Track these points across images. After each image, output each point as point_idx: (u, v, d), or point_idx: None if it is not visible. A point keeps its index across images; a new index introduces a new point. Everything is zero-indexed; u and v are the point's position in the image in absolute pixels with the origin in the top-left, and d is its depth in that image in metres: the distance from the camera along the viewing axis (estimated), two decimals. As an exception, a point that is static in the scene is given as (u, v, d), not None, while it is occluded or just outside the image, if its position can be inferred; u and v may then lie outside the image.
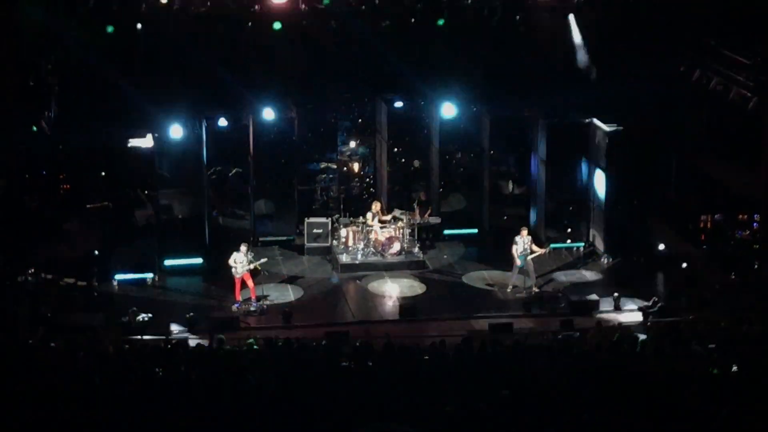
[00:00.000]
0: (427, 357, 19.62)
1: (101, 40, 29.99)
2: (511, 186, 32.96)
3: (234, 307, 27.26)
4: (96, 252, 28.96)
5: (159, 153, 29.72)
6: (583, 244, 31.64)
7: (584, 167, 31.80)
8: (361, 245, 30.03)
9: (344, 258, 29.94)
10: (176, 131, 29.58)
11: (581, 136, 31.56)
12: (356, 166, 33.94)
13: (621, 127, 30.39)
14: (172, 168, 30.13)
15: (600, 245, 31.16)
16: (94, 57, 29.71)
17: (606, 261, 30.60)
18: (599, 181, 31.11)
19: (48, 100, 29.12)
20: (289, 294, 28.45)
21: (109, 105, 29.84)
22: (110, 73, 29.68)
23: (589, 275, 29.93)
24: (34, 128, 29.33)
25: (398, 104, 32.17)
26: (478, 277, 29.69)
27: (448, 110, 31.54)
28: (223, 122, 30.79)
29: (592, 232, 31.68)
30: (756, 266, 28.36)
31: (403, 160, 33.26)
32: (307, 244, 30.94)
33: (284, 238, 31.69)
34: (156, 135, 29.52)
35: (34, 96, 29.29)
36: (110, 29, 30.19)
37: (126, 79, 29.84)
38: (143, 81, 30.14)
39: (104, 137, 29.61)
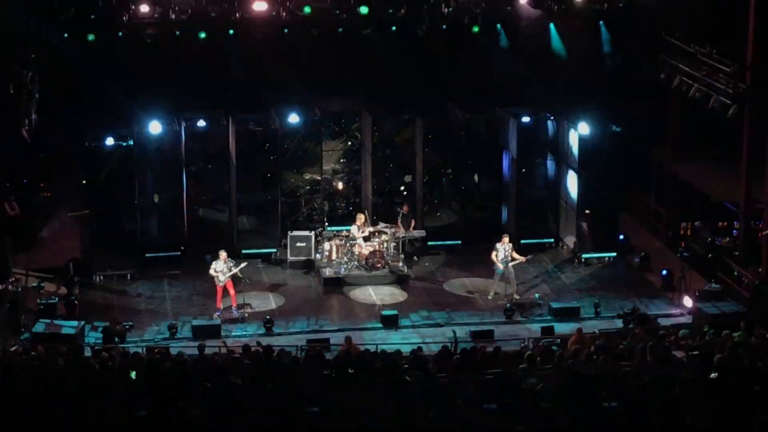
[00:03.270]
0: (407, 365, 19.62)
1: (82, 46, 30.03)
2: (477, 178, 33.03)
3: (215, 315, 27.22)
4: (77, 259, 28.92)
5: (138, 150, 30.04)
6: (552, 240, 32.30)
7: (553, 166, 32.34)
8: (345, 259, 29.87)
9: (328, 272, 29.69)
10: (155, 128, 29.86)
11: (553, 135, 32.14)
12: (340, 185, 33.74)
13: (594, 129, 30.67)
14: (151, 164, 30.51)
15: (571, 245, 31.53)
16: (75, 60, 29.77)
17: (580, 261, 30.87)
18: (572, 182, 31.44)
19: (29, 108, 29.05)
20: (270, 302, 28.44)
21: (89, 105, 29.86)
22: (90, 74, 29.71)
23: (569, 281, 30.01)
24: (15, 137, 29.25)
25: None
26: (459, 285, 29.72)
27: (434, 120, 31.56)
28: (201, 123, 30.98)
29: (566, 233, 31.96)
30: (736, 273, 28.46)
31: (388, 175, 33.28)
32: (290, 258, 30.64)
33: (267, 251, 31.57)
34: (135, 131, 29.92)
35: (14, 104, 29.19)
36: (91, 37, 30.15)
37: (106, 79, 29.86)
38: (123, 81, 30.21)
39: (84, 136, 29.70)
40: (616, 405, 16.27)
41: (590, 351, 20.51)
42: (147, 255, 30.40)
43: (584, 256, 30.99)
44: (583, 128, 30.55)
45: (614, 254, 31.08)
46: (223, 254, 27.51)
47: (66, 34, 29.99)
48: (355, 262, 29.75)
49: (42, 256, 29.52)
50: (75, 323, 25.37)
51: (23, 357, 20.82)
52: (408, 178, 33.13)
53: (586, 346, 21.50)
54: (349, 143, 33.63)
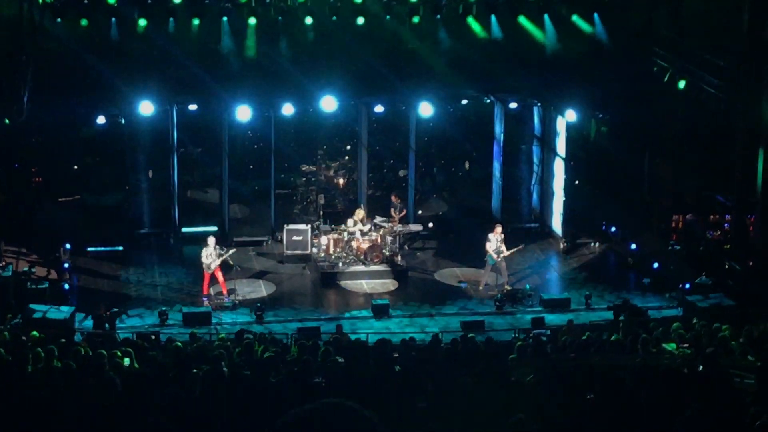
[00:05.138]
0: (396, 355, 19.63)
1: (75, 30, 30.06)
2: (467, 165, 33.22)
3: (205, 302, 27.15)
4: (67, 245, 28.89)
5: (130, 131, 30.57)
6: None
7: (540, 153, 32.89)
8: (343, 253, 29.49)
9: (325, 266, 29.33)
10: (146, 108, 29.90)
11: (540, 123, 32.68)
12: (341, 181, 33.56)
13: (581, 117, 30.96)
14: (142, 144, 31.06)
15: (558, 230, 31.91)
16: (68, 45, 29.77)
17: (566, 245, 31.18)
18: (558, 168, 31.88)
19: (22, 91, 29.02)
20: (261, 289, 28.40)
21: (82, 88, 29.88)
22: (84, 58, 29.70)
23: (559, 272, 30.07)
24: (6, 121, 29.20)
25: (378, 108, 31.89)
26: (450, 275, 29.72)
27: (426, 110, 31.41)
28: (193, 107, 30.93)
29: (555, 221, 32.36)
30: (727, 266, 28.48)
31: (386, 170, 33.25)
32: (287, 252, 30.23)
33: (259, 239, 31.49)
34: (127, 112, 30.25)
35: (7, 88, 29.15)
36: (84, 22, 30.18)
37: (99, 63, 29.86)
38: (115, 65, 30.23)
39: (75, 115, 29.91)
40: (606, 397, 16.28)
41: (581, 342, 20.54)
42: (137, 232, 30.90)
43: (570, 241, 31.32)
44: (570, 116, 30.84)
45: (599, 240, 31.45)
46: (211, 240, 27.43)
47: (59, 19, 30.00)
48: (353, 257, 29.48)
49: (32, 241, 29.48)
50: (65, 308, 25.32)
51: (13, 342, 20.76)
52: (403, 173, 33.06)
53: (577, 337, 21.53)
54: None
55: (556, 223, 32.08)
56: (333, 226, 30.12)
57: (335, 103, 30.80)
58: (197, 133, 32.27)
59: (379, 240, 29.60)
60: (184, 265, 29.56)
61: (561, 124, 31.52)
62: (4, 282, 26.25)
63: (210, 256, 27.22)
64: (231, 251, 27.69)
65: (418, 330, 25.31)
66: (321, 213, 31.12)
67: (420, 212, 32.22)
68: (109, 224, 30.54)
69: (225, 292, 27.40)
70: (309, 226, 30.38)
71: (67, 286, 27.52)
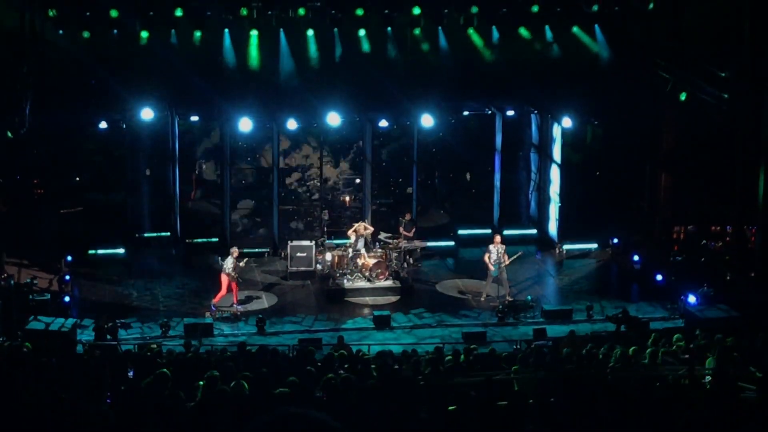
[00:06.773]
0: (396, 366, 19.61)
1: (77, 42, 30.15)
2: (469, 176, 33.27)
3: (211, 311, 27.09)
4: (68, 257, 28.89)
5: (131, 140, 30.96)
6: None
7: (535, 159, 33.35)
8: (348, 270, 29.28)
9: (330, 283, 29.11)
10: (147, 114, 30.19)
11: (538, 130, 33.10)
12: (347, 198, 33.54)
13: (578, 125, 31.18)
14: (143, 150, 31.37)
15: (555, 237, 32.21)
16: (70, 56, 29.86)
17: (562, 252, 31.52)
18: (555, 176, 32.17)
19: (23, 103, 29.08)
20: (263, 301, 28.37)
21: (83, 96, 30.00)
22: (86, 70, 29.79)
23: (561, 283, 30.05)
24: (9, 134, 29.23)
25: (383, 123, 31.82)
26: (452, 286, 29.68)
27: (426, 120, 31.37)
28: (194, 118, 31.15)
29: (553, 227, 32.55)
30: (728, 277, 28.46)
31: (394, 188, 33.26)
32: (291, 268, 29.98)
33: (260, 250, 31.44)
34: (128, 118, 30.56)
35: (8, 100, 29.18)
36: (86, 34, 30.23)
37: (102, 74, 29.96)
38: (118, 75, 30.31)
39: (76, 123, 30.20)
40: (608, 408, 16.27)
41: (582, 354, 20.54)
42: (138, 235, 31.19)
43: (566, 247, 31.37)
44: (567, 123, 31.08)
45: (595, 245, 31.69)
46: (235, 250, 27.42)
47: (61, 31, 30.05)
48: (359, 273, 29.20)
49: (34, 252, 29.48)
50: (67, 320, 25.28)
51: (14, 354, 20.74)
52: (410, 190, 32.99)
53: (578, 348, 21.52)
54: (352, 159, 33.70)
55: (554, 230, 32.24)
56: (337, 243, 30.00)
57: (339, 118, 30.86)
58: (199, 144, 32.32)
59: (384, 256, 29.44)
60: (186, 276, 29.58)
61: (558, 132, 31.73)
62: (6, 294, 26.22)
63: (236, 267, 27.12)
64: (245, 260, 27.72)
65: (418, 341, 25.30)
66: (325, 229, 30.89)
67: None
68: (110, 226, 30.62)
69: (236, 301, 27.31)
70: (313, 242, 30.23)
71: (68, 299, 27.47)
